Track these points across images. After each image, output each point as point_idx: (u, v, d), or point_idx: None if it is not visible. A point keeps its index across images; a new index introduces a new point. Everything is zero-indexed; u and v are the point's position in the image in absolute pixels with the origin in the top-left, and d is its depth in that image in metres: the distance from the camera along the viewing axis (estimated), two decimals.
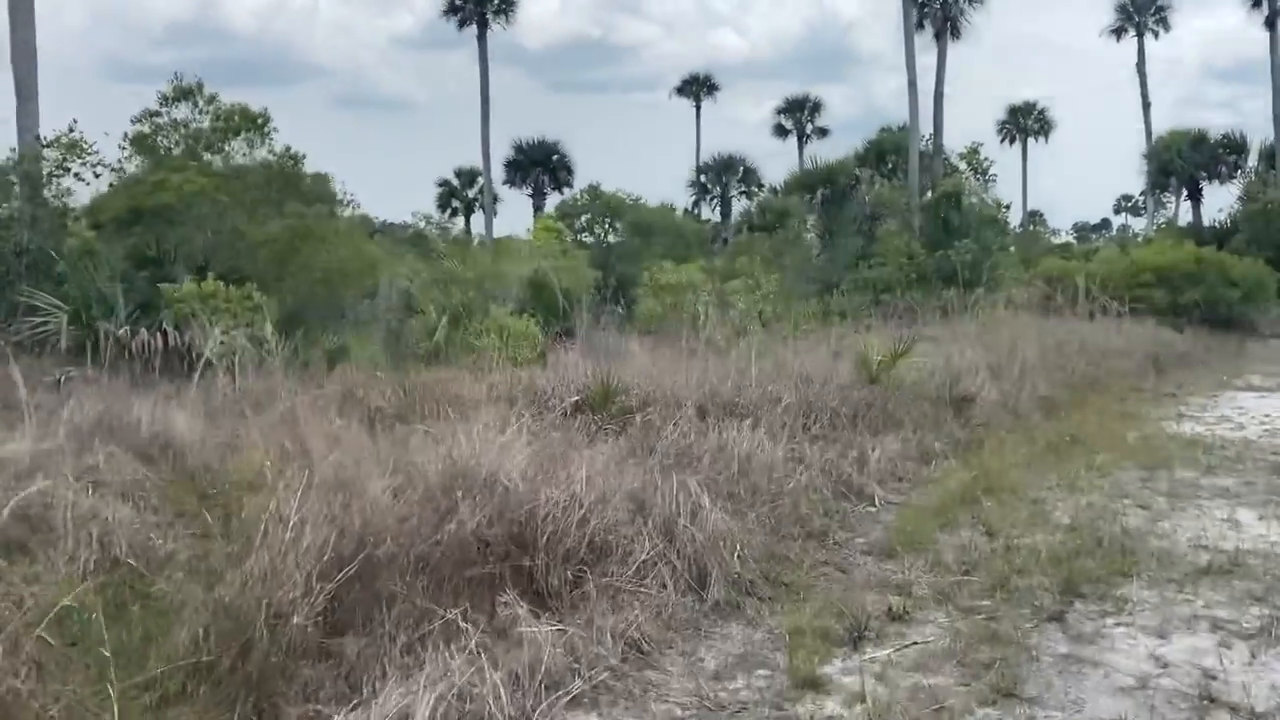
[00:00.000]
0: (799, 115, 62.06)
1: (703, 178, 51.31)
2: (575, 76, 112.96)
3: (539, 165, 43.10)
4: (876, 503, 7.94)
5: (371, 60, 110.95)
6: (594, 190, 24.39)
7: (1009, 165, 62.42)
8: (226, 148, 14.21)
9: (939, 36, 32.57)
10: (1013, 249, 38.72)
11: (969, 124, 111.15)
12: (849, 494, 7.88)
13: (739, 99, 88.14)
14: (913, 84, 30.80)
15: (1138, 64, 49.17)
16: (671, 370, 10.23)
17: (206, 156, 13.94)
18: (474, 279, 15.90)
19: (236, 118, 14.13)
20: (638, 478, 6.55)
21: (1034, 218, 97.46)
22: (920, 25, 32.70)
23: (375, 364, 12.09)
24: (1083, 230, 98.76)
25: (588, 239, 22.56)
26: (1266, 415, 12.29)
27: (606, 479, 6.33)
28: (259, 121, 14.27)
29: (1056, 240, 70.54)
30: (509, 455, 6.30)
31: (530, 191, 42.95)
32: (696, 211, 49.66)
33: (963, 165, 31.29)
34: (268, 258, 12.56)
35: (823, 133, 61.26)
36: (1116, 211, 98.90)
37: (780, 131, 62.41)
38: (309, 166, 14.86)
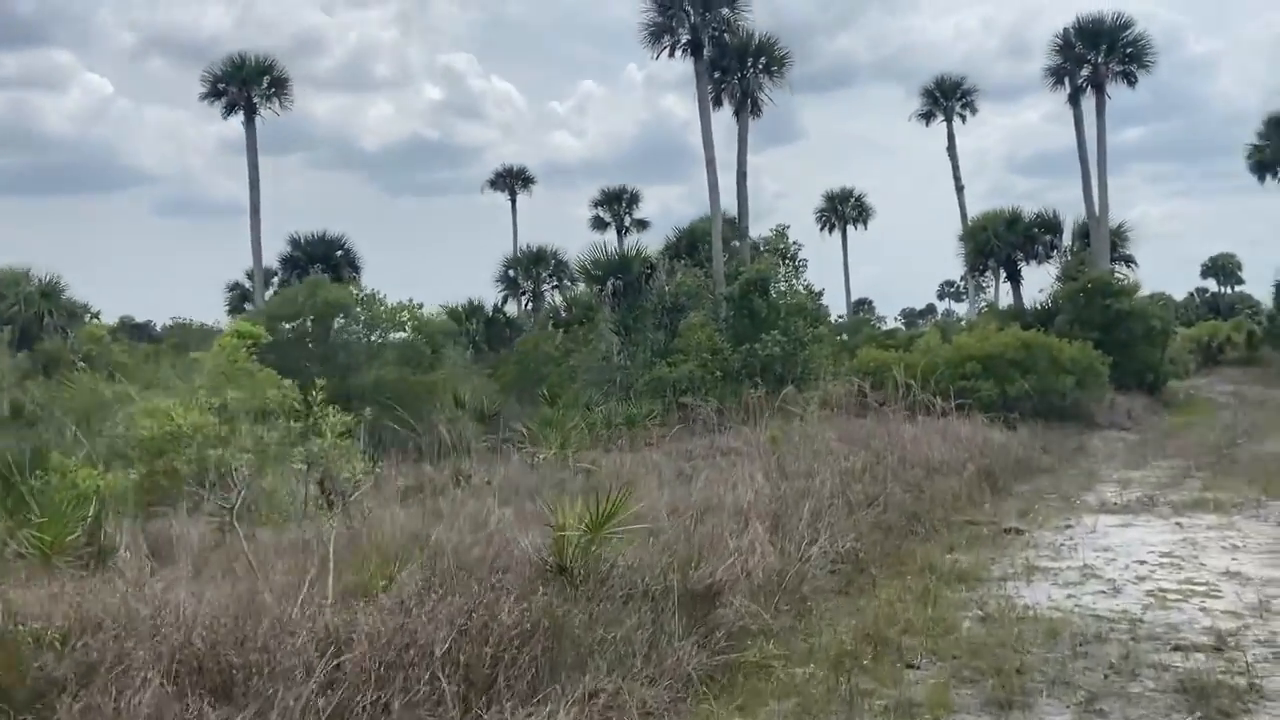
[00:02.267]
0: (616, 207, 60.05)
1: (511, 272, 47.66)
2: (415, 179, 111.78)
3: (318, 262, 38.40)
4: None
5: (200, 165, 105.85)
6: (313, 285, 19.85)
7: (832, 254, 61.66)
8: None
9: (738, 113, 30.14)
10: (842, 337, 36.41)
11: (800, 221, 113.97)
12: None
13: (580, 199, 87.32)
14: (710, 161, 28.05)
15: (948, 148, 49.06)
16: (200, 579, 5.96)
17: None
18: (79, 410, 11.25)
19: None
20: None
21: (862, 305, 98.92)
22: (718, 102, 30.27)
23: None
24: (910, 316, 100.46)
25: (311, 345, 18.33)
26: (1141, 562, 8.93)
27: None
28: None
29: (885, 327, 70.43)
30: None
31: None
32: (505, 308, 45.85)
33: (770, 250, 28.62)
34: None
35: (642, 225, 59.39)
36: (940, 297, 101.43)
37: (599, 224, 60.20)
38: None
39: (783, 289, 25.84)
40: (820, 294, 27.69)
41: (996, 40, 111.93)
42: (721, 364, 23.21)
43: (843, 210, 59.95)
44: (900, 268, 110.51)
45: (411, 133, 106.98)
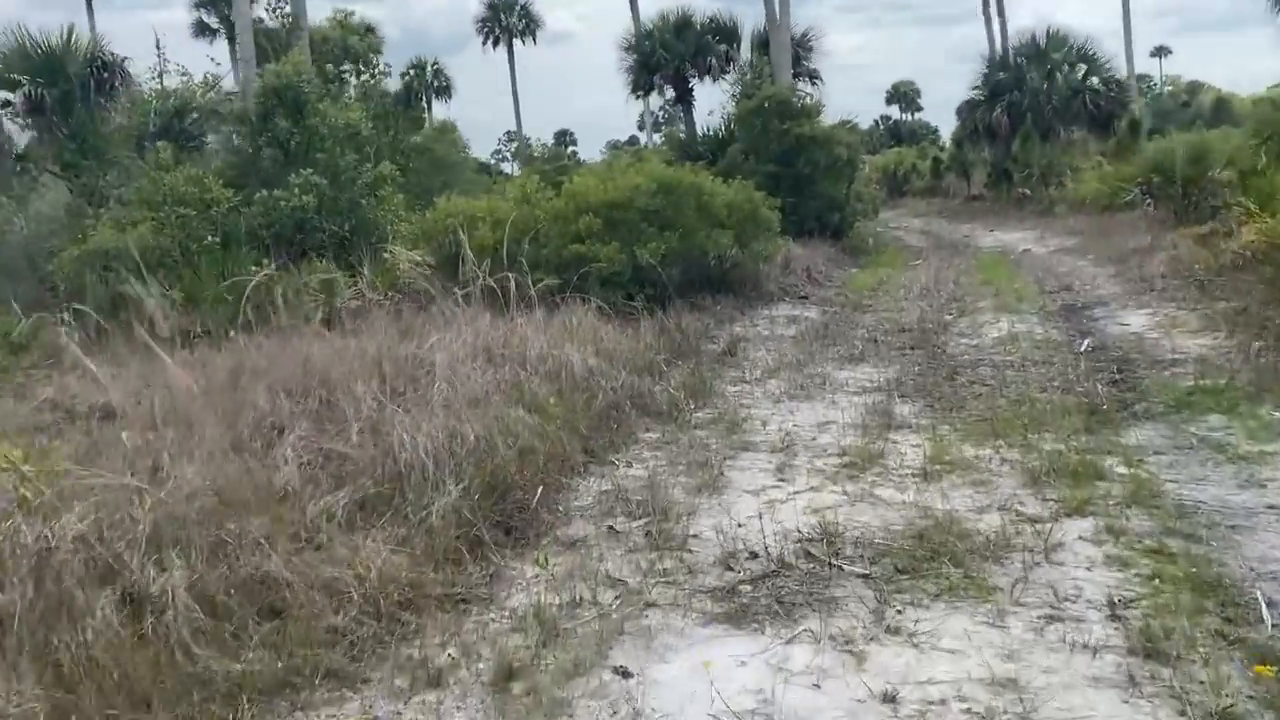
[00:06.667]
0: (225, 9, 47.71)
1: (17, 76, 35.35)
2: None
3: None
4: None
5: None
6: None
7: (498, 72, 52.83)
8: None
9: None
10: (459, 177, 28.19)
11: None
12: None
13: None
14: None
15: None
16: None
17: None
18: None
19: None
20: None
21: (564, 137, 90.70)
22: None
23: None
24: (616, 149, 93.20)
25: None
26: None
27: None
28: None
29: (587, 161, 62.69)
30: None
31: None
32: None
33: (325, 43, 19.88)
34: None
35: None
36: (640, 127, 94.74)
37: (203, 31, 47.87)
38: None
39: (334, 105, 17.37)
40: (403, 110, 19.39)
41: None
42: (215, 222, 14.77)
43: (507, 21, 50.99)
44: (610, 97, 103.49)
45: None
